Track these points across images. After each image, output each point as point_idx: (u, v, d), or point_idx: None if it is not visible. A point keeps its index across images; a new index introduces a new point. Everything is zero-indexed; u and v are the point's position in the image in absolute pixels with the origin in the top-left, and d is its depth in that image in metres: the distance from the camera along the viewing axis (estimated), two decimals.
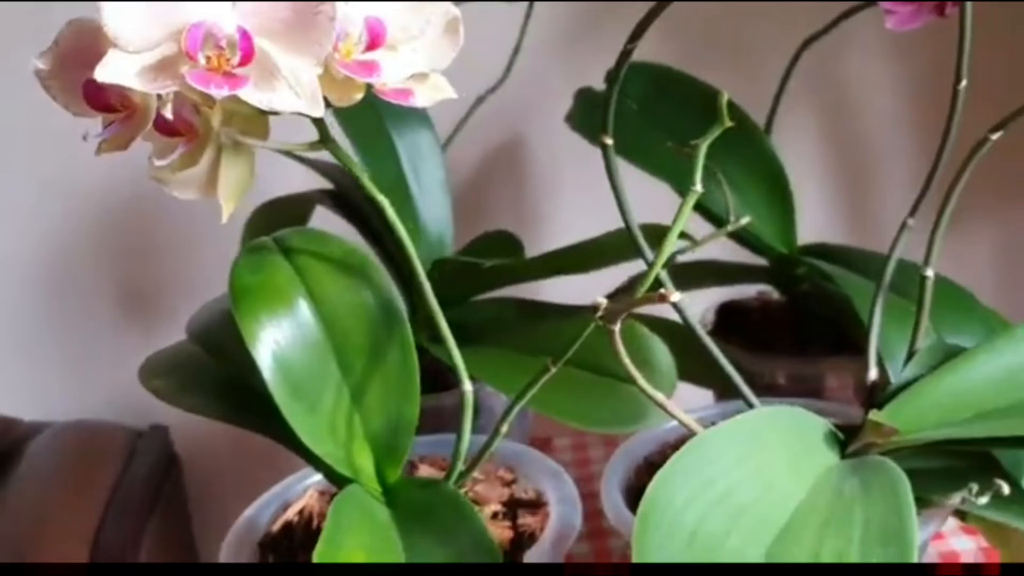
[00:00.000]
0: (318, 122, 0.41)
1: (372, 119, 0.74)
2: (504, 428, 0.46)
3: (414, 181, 0.75)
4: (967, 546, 0.64)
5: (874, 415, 0.43)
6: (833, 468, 0.42)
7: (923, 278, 0.48)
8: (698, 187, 0.38)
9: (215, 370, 0.52)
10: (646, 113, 0.74)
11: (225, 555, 0.52)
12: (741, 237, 0.75)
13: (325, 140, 0.41)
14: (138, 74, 0.31)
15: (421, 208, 0.74)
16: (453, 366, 0.45)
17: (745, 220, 0.65)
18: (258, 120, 0.39)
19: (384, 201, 0.44)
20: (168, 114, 0.33)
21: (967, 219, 0.96)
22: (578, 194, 0.97)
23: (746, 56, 0.89)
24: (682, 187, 0.73)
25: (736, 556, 0.33)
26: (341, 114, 0.71)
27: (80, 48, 0.34)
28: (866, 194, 0.97)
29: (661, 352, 0.61)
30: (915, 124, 0.95)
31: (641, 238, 0.50)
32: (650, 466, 0.59)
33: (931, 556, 0.64)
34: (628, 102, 0.75)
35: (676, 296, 0.34)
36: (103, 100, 0.34)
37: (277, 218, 0.79)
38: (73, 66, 0.35)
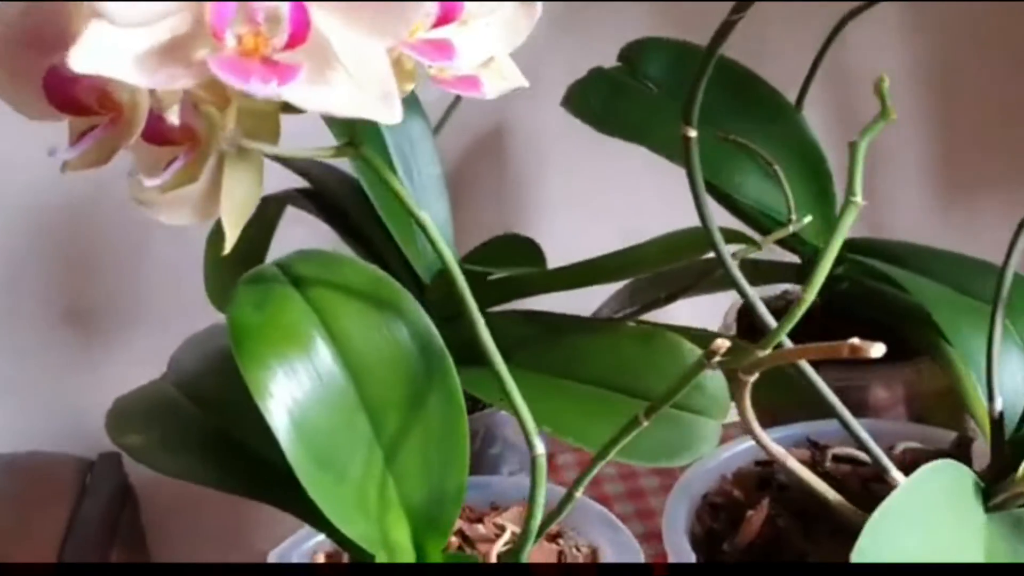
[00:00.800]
0: (348, 120, 0.32)
1: None
2: (578, 492, 0.37)
3: (405, 177, 0.65)
4: None
5: None
6: (992, 530, 0.34)
7: None
8: (859, 198, 0.30)
9: (203, 422, 0.43)
10: (668, 95, 0.65)
11: None
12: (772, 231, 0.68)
13: (357, 143, 0.32)
14: (136, 61, 0.21)
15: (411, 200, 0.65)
16: (518, 417, 0.36)
17: (808, 219, 0.58)
18: (270, 119, 0.29)
19: (426, 219, 0.35)
20: (174, 118, 0.24)
21: (976, 194, 0.91)
22: (565, 183, 0.89)
23: (769, 32, 0.81)
24: (717, 181, 0.66)
25: None
26: None
27: (37, 24, 0.24)
28: (884, 182, 0.90)
29: (711, 372, 0.53)
30: (930, 109, 0.89)
31: (722, 243, 0.42)
32: (712, 507, 0.51)
33: None
34: (647, 83, 0.66)
35: (879, 349, 0.26)
36: (73, 98, 0.24)
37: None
38: (27, 49, 0.25)
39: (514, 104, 0.86)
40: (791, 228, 0.54)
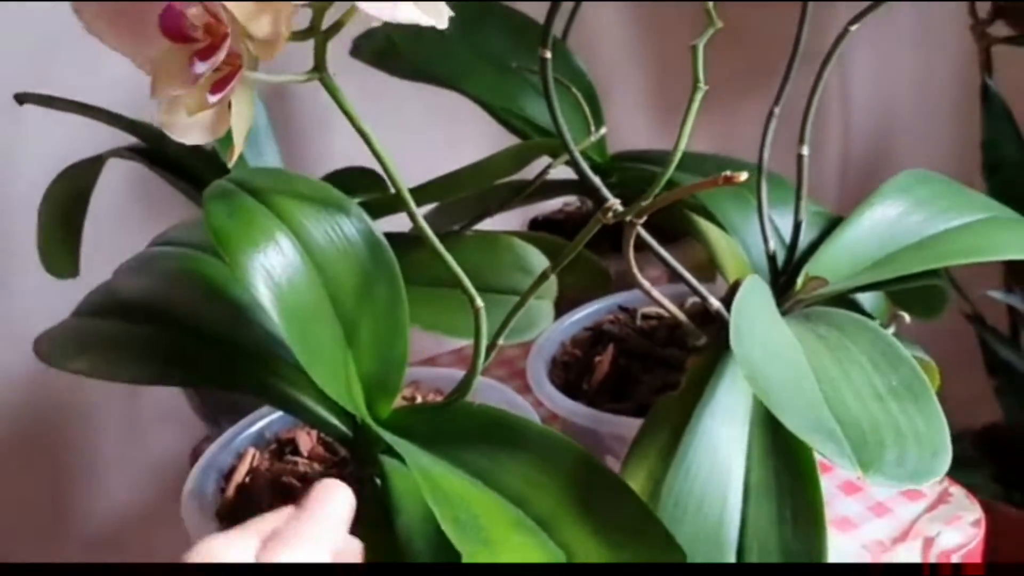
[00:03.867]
0: (319, 49, 0.39)
1: None
2: (501, 340, 0.48)
3: None
4: (853, 509, 0.64)
5: (811, 271, 0.51)
6: (790, 323, 0.48)
7: (800, 156, 0.56)
8: (702, 84, 0.42)
9: (150, 339, 0.48)
10: (465, 42, 0.76)
11: (193, 533, 0.49)
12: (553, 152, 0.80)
13: (320, 68, 0.40)
14: None
15: (249, 159, 0.71)
16: (459, 282, 0.46)
17: (603, 131, 0.71)
18: (271, 48, 0.36)
19: (369, 132, 0.43)
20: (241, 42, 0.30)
21: (732, 101, 1.08)
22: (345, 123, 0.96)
23: None
24: (507, 105, 0.77)
25: (801, 391, 0.39)
26: None
27: None
28: (616, 111, 1.05)
29: (537, 259, 0.64)
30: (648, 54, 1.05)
31: (575, 149, 0.53)
32: (562, 365, 0.63)
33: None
34: (447, 32, 0.76)
35: (743, 176, 0.38)
36: (182, 29, 0.30)
37: (73, 183, 0.72)
38: None
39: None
40: (592, 138, 0.66)
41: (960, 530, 0.61)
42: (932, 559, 0.60)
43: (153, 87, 0.33)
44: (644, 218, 0.43)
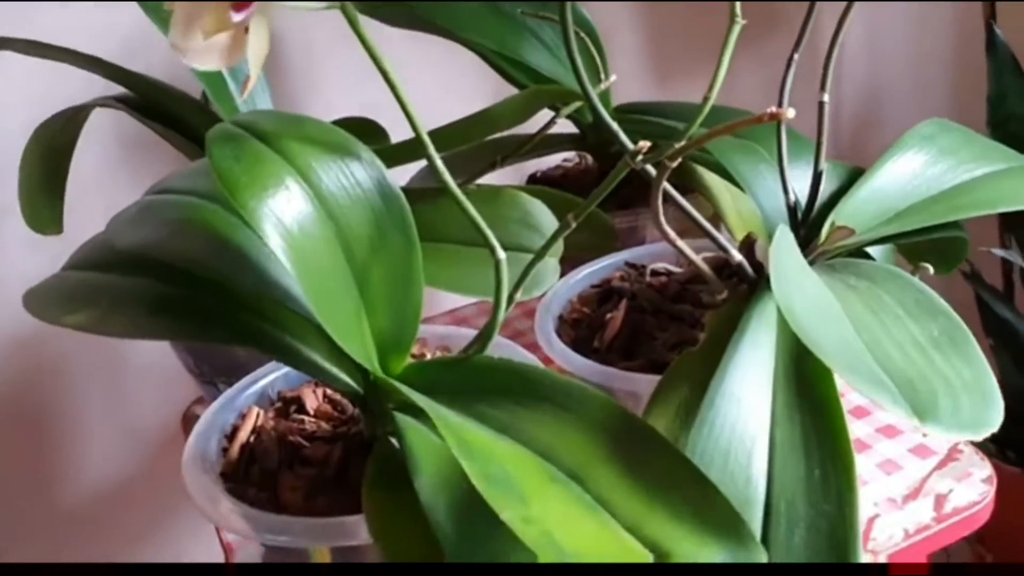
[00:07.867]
0: None
1: None
2: (518, 295, 0.46)
3: (229, 75, 0.68)
4: (862, 465, 0.63)
5: (837, 221, 0.49)
6: (818, 274, 0.47)
7: (821, 104, 0.54)
8: (740, 19, 0.40)
9: (152, 293, 0.45)
10: None
11: (196, 493, 0.47)
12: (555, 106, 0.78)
13: None
14: None
15: (240, 105, 0.68)
16: (480, 232, 0.44)
17: (613, 78, 0.68)
18: None
19: (404, 95, 0.41)
20: None
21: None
22: (336, 73, 0.93)
23: None
24: (508, 54, 0.75)
25: (845, 342, 0.38)
26: None
27: None
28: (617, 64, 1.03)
29: (546, 216, 0.62)
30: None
31: (593, 93, 0.51)
32: (571, 323, 0.62)
33: None
34: None
35: (792, 112, 0.36)
36: None
37: (56, 134, 0.69)
38: None
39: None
40: (603, 85, 0.64)
41: (972, 487, 0.61)
42: (945, 517, 0.59)
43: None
44: (678, 161, 0.41)
